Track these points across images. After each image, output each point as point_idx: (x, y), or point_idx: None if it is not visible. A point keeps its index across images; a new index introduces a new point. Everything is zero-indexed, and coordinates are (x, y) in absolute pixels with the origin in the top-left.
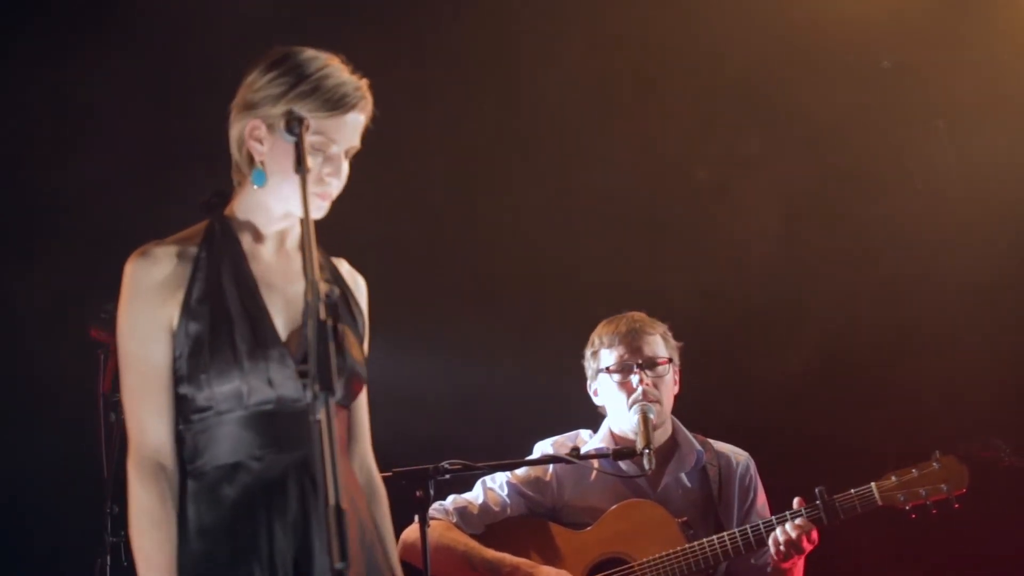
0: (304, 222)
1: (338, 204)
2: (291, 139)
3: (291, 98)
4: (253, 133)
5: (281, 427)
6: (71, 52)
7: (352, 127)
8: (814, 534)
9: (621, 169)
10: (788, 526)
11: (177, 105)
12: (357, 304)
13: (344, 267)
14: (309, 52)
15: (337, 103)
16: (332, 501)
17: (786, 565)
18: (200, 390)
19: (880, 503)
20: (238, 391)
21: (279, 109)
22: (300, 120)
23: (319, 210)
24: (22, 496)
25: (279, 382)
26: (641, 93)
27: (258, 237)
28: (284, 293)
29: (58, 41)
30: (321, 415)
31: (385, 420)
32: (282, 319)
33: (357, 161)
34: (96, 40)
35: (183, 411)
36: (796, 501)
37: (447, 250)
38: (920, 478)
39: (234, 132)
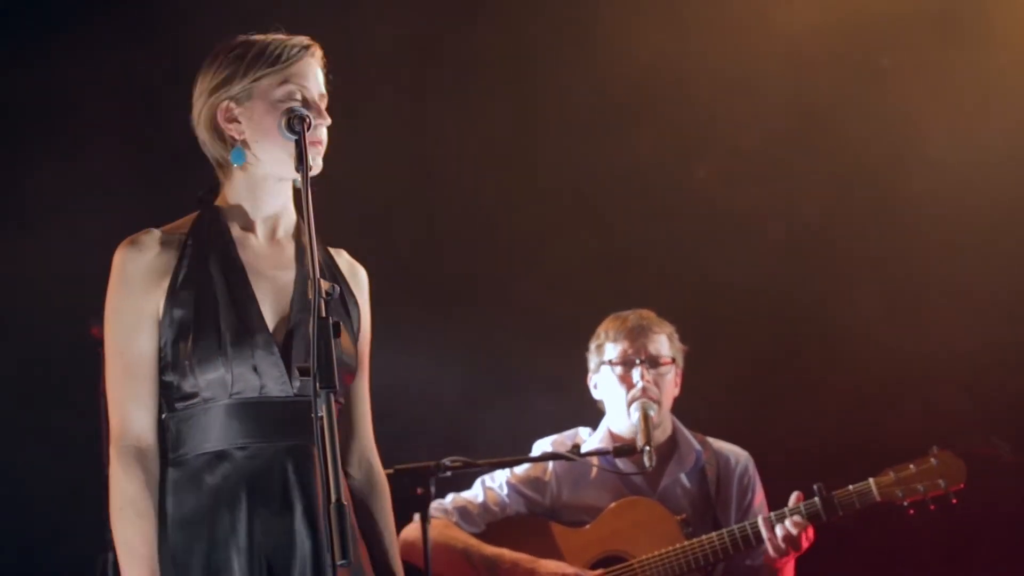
0: (306, 219)
1: (339, 202)
2: (292, 137)
3: (247, 64)
4: (226, 115)
5: (266, 416)
6: (67, 43)
7: (313, 71)
8: (810, 532)
9: (624, 169)
10: (787, 522)
11: (177, 98)
12: (352, 295)
13: (343, 258)
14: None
15: (290, 50)
16: (334, 497)
17: (778, 564)
18: (185, 377)
19: (878, 499)
20: (222, 379)
21: (243, 81)
22: (302, 118)
23: (318, 164)
24: (23, 494)
25: (264, 369)
26: (639, 95)
27: (248, 224)
28: (273, 281)
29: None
30: (323, 412)
31: (386, 417)
32: (270, 306)
33: (359, 159)
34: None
35: (168, 399)
36: (794, 497)
37: (448, 245)
38: (918, 474)
39: (204, 127)
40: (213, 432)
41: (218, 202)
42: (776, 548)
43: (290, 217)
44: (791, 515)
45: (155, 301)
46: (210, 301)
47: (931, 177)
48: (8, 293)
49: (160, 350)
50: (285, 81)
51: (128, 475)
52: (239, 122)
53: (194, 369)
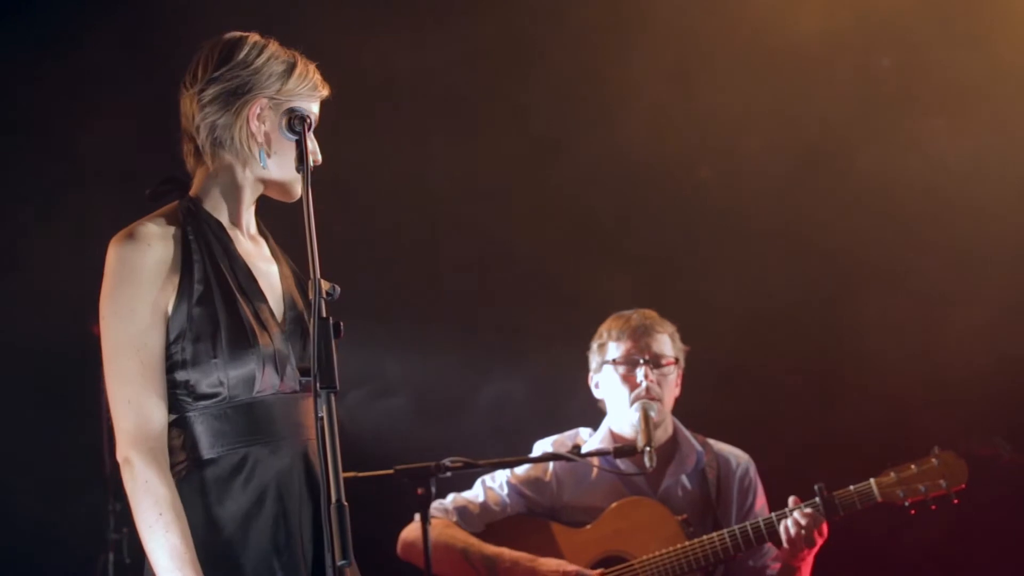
0: (306, 218)
1: (339, 203)
2: (293, 137)
3: (294, 77)
4: (260, 114)
5: (282, 413)
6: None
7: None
8: (824, 528)
9: (622, 171)
10: (797, 514)
11: (177, 97)
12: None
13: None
14: (270, 39)
15: (321, 83)
16: (334, 497)
17: (795, 563)
18: (208, 375)
19: (879, 499)
20: (252, 374)
21: (286, 91)
22: (303, 119)
23: (297, 195)
24: (23, 494)
25: (283, 365)
26: (640, 98)
27: (233, 218)
28: (267, 276)
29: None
30: (323, 411)
31: (387, 417)
32: (272, 301)
33: (361, 162)
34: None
35: (182, 398)
36: (791, 500)
37: (447, 247)
38: (919, 474)
39: (236, 111)
40: (237, 431)
41: (195, 192)
42: (790, 541)
43: (253, 216)
44: (796, 510)
45: (166, 296)
46: (230, 297)
47: (931, 179)
48: (8, 292)
49: (169, 347)
50: (310, 112)
51: (160, 478)
52: (265, 124)
53: (225, 366)
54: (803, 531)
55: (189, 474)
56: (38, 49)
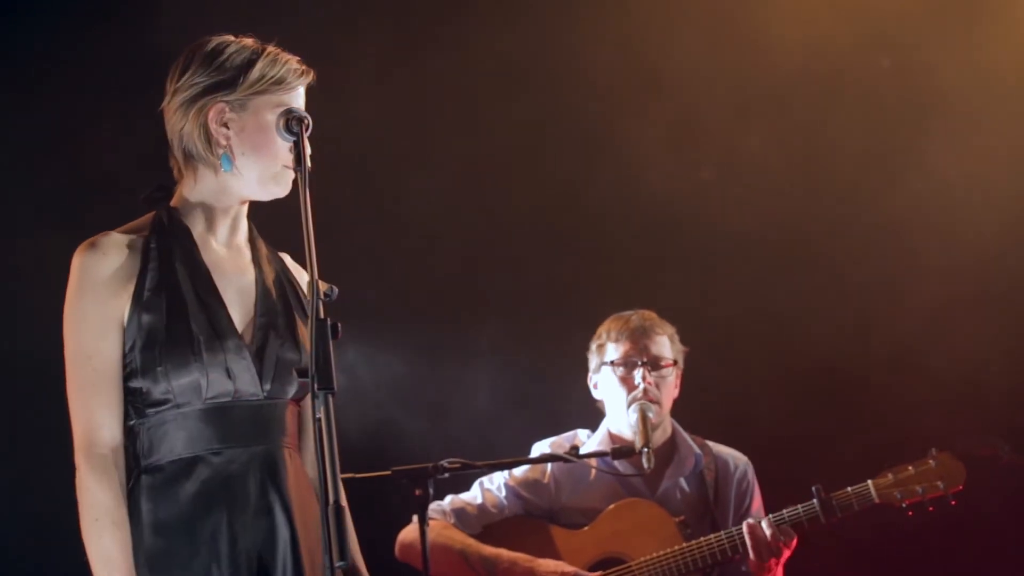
0: (304, 220)
1: (339, 205)
2: (291, 138)
3: (252, 74)
4: (219, 117)
5: (239, 420)
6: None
7: (302, 95)
8: (792, 541)
9: (623, 171)
10: (764, 524)
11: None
12: (305, 296)
13: (288, 260)
14: (244, 38)
15: (293, 74)
16: (332, 499)
17: (762, 574)
18: (157, 383)
19: (877, 501)
20: (197, 383)
21: (244, 89)
22: (300, 119)
23: (288, 186)
24: (23, 493)
25: (236, 373)
26: (645, 98)
27: (209, 226)
28: (236, 284)
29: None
30: (321, 413)
31: (386, 419)
32: (236, 310)
33: (362, 163)
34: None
35: (136, 405)
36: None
37: (447, 248)
38: (917, 475)
39: (193, 119)
40: (187, 438)
41: (175, 203)
42: (756, 552)
43: (245, 222)
44: (789, 518)
45: (120, 305)
46: (180, 305)
47: (932, 186)
48: (13, 295)
49: (125, 356)
50: (280, 104)
51: (101, 485)
52: (228, 128)
53: (168, 374)
54: (764, 541)
55: (138, 480)
56: (38, 52)
